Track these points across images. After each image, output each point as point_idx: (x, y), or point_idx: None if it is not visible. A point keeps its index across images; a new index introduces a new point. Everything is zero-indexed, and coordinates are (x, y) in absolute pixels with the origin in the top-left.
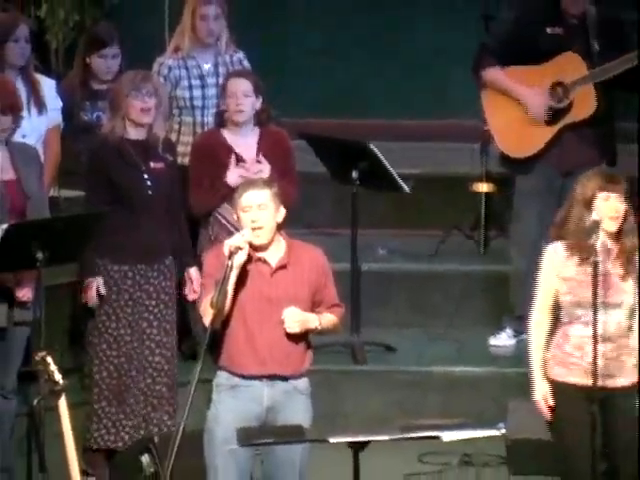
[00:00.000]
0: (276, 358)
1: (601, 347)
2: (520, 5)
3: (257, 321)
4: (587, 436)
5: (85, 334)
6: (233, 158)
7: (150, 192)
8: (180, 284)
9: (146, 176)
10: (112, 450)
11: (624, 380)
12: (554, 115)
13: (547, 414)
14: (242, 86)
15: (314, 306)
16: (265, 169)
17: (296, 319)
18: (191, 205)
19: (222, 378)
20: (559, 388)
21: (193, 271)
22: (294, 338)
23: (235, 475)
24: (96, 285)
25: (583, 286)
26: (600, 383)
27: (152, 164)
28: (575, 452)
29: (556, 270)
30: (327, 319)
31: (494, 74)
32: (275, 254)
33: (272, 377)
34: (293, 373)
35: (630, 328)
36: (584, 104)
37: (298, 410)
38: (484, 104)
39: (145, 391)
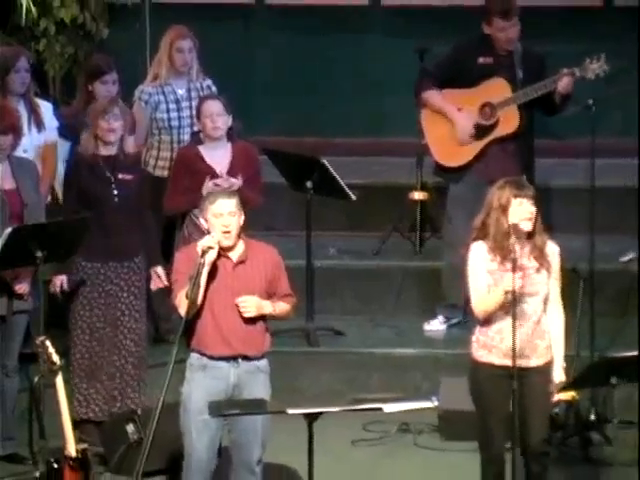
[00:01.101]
0: (239, 341)
1: (518, 332)
2: (459, 39)
3: (222, 309)
4: (503, 407)
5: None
6: (208, 177)
7: (117, 200)
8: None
9: (114, 186)
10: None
11: (537, 360)
12: (483, 131)
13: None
14: (215, 107)
15: (269, 296)
16: (237, 183)
17: (250, 304)
18: (164, 206)
19: (194, 359)
20: (481, 367)
21: (159, 268)
22: (254, 323)
23: (207, 441)
24: (60, 282)
25: (503, 279)
26: (517, 364)
27: (120, 176)
28: (490, 421)
29: (482, 264)
30: (280, 306)
31: (432, 95)
32: (236, 252)
33: (236, 357)
34: (255, 354)
35: (543, 315)
36: (508, 122)
37: (259, 387)
38: (422, 121)
39: (118, 370)
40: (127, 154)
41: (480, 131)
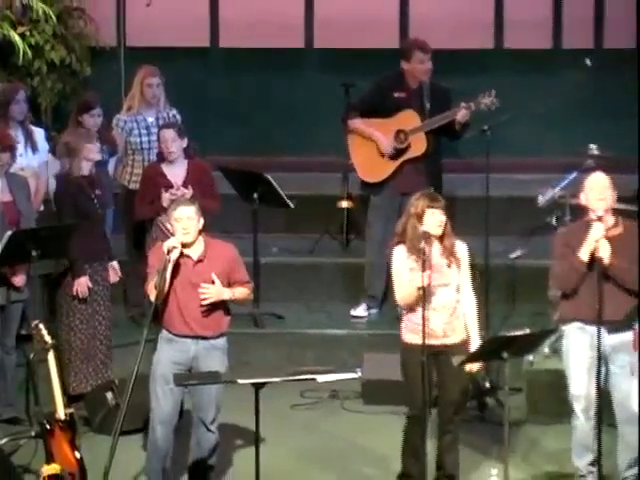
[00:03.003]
0: (198, 323)
1: (438, 316)
2: (379, 77)
3: (184, 298)
4: (425, 379)
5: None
6: (164, 189)
7: (99, 212)
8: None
9: (96, 201)
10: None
11: (455, 338)
12: (397, 153)
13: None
14: (169, 135)
15: (229, 285)
16: (188, 193)
17: (211, 291)
18: (135, 214)
19: (163, 333)
20: (409, 348)
21: (114, 263)
22: (212, 310)
23: (170, 400)
24: (84, 281)
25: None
26: (440, 342)
27: (97, 192)
28: (415, 389)
29: (404, 264)
30: (240, 291)
31: (357, 123)
32: (196, 252)
33: (195, 337)
34: (212, 334)
35: (458, 301)
36: (419, 145)
37: (215, 361)
38: (349, 145)
39: (97, 351)
40: (94, 172)
41: (395, 153)
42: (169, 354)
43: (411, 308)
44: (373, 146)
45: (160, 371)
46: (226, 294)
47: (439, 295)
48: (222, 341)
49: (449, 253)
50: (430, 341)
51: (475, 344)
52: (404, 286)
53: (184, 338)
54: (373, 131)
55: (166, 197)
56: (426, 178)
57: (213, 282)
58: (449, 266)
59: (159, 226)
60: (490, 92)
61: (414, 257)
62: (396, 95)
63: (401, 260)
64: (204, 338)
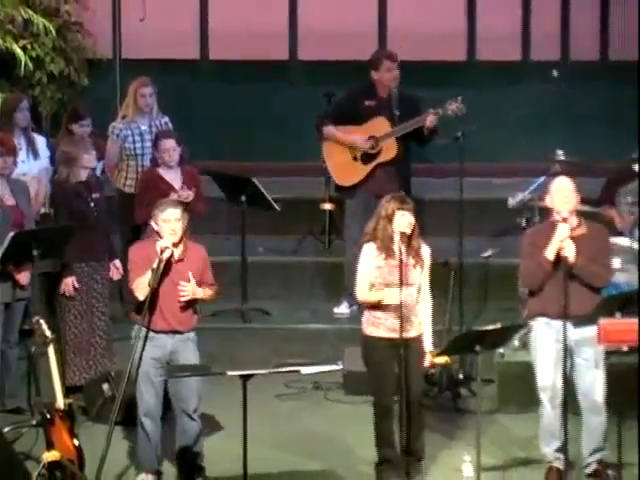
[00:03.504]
0: (175, 319)
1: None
2: (350, 87)
3: (165, 294)
4: (388, 370)
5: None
6: (172, 192)
7: (96, 214)
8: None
9: (93, 205)
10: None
11: (413, 333)
12: (369, 158)
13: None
14: (171, 144)
15: (200, 285)
16: (191, 195)
17: (188, 289)
18: (135, 217)
19: (142, 332)
20: (370, 340)
21: (117, 262)
22: (186, 308)
23: (152, 392)
24: (71, 281)
25: (388, 272)
26: (399, 336)
27: (94, 195)
28: (380, 381)
29: (371, 262)
30: (208, 292)
31: (330, 131)
32: (177, 251)
33: (171, 332)
34: (186, 329)
35: (417, 299)
36: (389, 150)
37: (190, 352)
38: (324, 151)
39: (92, 346)
40: (92, 176)
41: (367, 158)
42: (150, 351)
43: (372, 306)
44: (346, 151)
45: (142, 367)
46: (199, 293)
47: (403, 292)
48: (193, 334)
49: (415, 254)
50: (391, 335)
51: (428, 340)
52: (364, 285)
53: (161, 334)
54: (348, 135)
55: (175, 198)
56: (397, 181)
57: (189, 281)
58: (414, 267)
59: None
60: (457, 99)
61: (383, 255)
62: (367, 103)
63: (369, 258)
64: (179, 332)
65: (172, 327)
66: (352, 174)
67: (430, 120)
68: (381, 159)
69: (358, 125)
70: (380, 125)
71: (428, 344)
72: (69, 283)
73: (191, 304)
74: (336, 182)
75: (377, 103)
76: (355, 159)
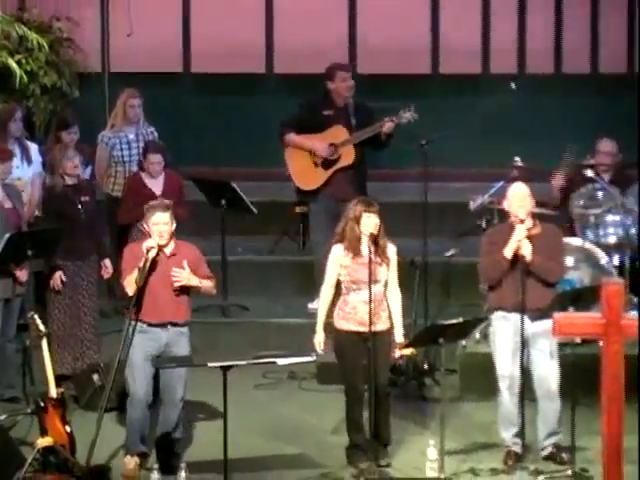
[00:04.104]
0: (170, 311)
1: (367, 307)
2: (309, 97)
3: (158, 288)
4: (358, 361)
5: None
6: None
7: (83, 217)
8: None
9: (80, 206)
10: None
11: (381, 326)
12: (329, 163)
13: (320, 350)
14: (157, 159)
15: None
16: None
17: (182, 275)
18: (118, 218)
19: (137, 324)
20: (341, 334)
21: (107, 261)
22: (180, 301)
23: (143, 382)
24: (59, 276)
25: (355, 270)
26: (368, 329)
27: (82, 198)
28: (351, 372)
29: (339, 261)
30: (205, 282)
31: (291, 138)
32: (168, 249)
33: (166, 324)
34: (180, 321)
35: (385, 294)
36: (347, 156)
37: (183, 346)
38: (286, 157)
39: (79, 339)
40: (83, 181)
41: (327, 164)
42: (143, 344)
43: (343, 299)
44: (307, 157)
45: (135, 358)
46: (194, 280)
47: (371, 289)
48: (187, 329)
49: (381, 252)
50: (360, 328)
51: (399, 332)
52: (329, 283)
53: (156, 327)
54: (308, 141)
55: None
56: (355, 185)
57: (183, 269)
58: (380, 265)
59: (139, 229)
60: (410, 107)
61: (351, 255)
62: (325, 113)
63: (337, 258)
64: (174, 325)
65: (167, 319)
66: (313, 179)
67: (387, 127)
68: (340, 164)
69: (318, 133)
70: (338, 133)
71: (399, 336)
72: (57, 278)
73: (185, 298)
74: (298, 186)
75: (335, 112)
76: (316, 165)
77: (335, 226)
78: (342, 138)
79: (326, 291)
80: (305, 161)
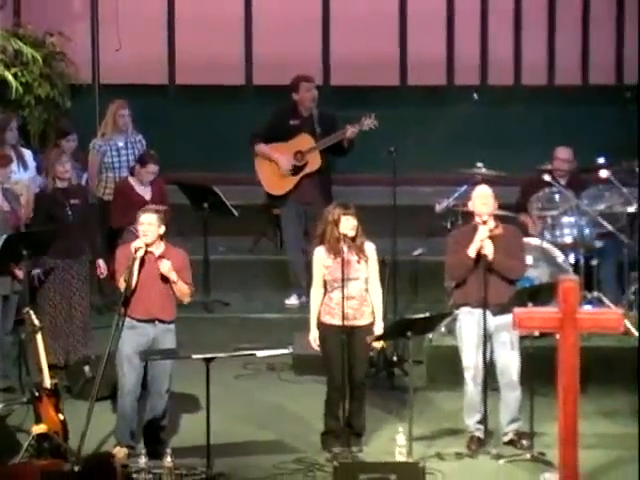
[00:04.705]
0: (158, 308)
1: (350, 302)
2: (276, 109)
3: (147, 286)
4: (339, 353)
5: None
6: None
7: (71, 218)
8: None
9: (68, 208)
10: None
11: (364, 321)
12: (297, 169)
13: (316, 346)
14: (155, 169)
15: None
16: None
17: (167, 263)
18: (112, 222)
19: (127, 322)
20: (325, 327)
21: (100, 261)
22: (166, 299)
23: (133, 374)
24: (36, 274)
25: (336, 270)
26: (350, 324)
27: (72, 201)
28: (332, 363)
29: (322, 262)
30: (182, 284)
31: (261, 147)
32: (158, 249)
33: (154, 320)
34: (167, 319)
35: (366, 290)
36: (314, 162)
37: (169, 341)
38: (256, 165)
39: (69, 333)
40: (74, 185)
41: (295, 170)
42: (132, 339)
43: (328, 296)
44: (275, 165)
45: (125, 352)
46: (173, 276)
47: (350, 286)
48: (173, 326)
49: (359, 251)
50: (340, 322)
51: (379, 326)
52: (317, 284)
53: (144, 323)
54: (274, 153)
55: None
56: (321, 188)
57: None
58: (359, 262)
59: (129, 231)
60: (370, 115)
61: (332, 256)
62: (291, 123)
63: (319, 259)
64: (161, 321)
65: (154, 316)
66: (282, 185)
67: (350, 133)
68: (307, 170)
69: (285, 141)
70: (305, 141)
71: (379, 329)
72: (34, 275)
73: (171, 297)
74: (267, 192)
75: (300, 122)
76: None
77: (303, 226)
78: (308, 145)
79: (315, 291)
80: (273, 168)
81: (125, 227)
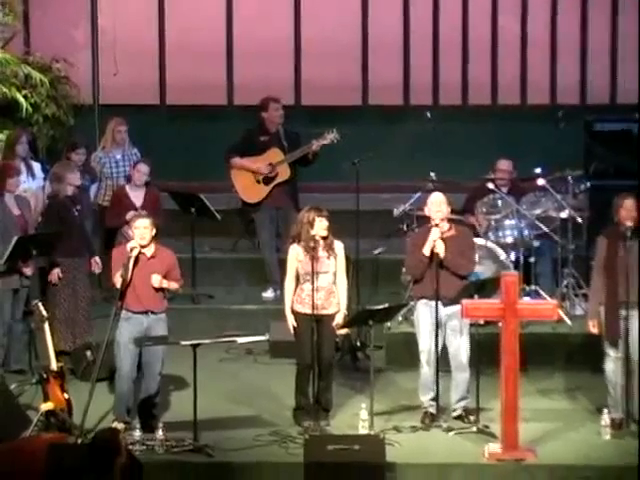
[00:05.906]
0: (149, 301)
1: (319, 294)
2: (247, 128)
3: (140, 283)
4: (308, 338)
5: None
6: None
7: (78, 222)
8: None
9: (76, 214)
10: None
11: (332, 310)
12: (269, 180)
13: (292, 329)
14: (144, 168)
15: (168, 278)
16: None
17: (157, 278)
18: (106, 222)
19: (123, 313)
20: (297, 315)
21: (96, 258)
22: (157, 294)
23: (129, 359)
24: (56, 272)
25: (308, 264)
26: (320, 312)
27: (77, 207)
28: (302, 346)
29: (296, 257)
30: (173, 285)
31: (236, 161)
32: (150, 250)
33: (147, 312)
34: (158, 310)
35: (334, 283)
36: (284, 173)
37: (161, 329)
38: (232, 177)
39: (76, 321)
40: (79, 192)
41: (268, 180)
42: (128, 328)
43: (300, 287)
44: (250, 176)
45: (122, 340)
46: (164, 284)
47: (320, 279)
48: (164, 315)
49: (329, 248)
50: (310, 311)
51: (340, 316)
52: (290, 278)
53: (138, 314)
54: (252, 164)
55: (130, 214)
56: (289, 195)
57: (158, 273)
58: (328, 258)
59: (123, 234)
60: (332, 130)
61: (305, 252)
62: (262, 139)
63: (294, 255)
64: (154, 312)
65: (146, 308)
66: (257, 193)
67: (316, 146)
68: (278, 180)
69: (257, 156)
70: (275, 154)
71: (339, 318)
72: (54, 273)
73: (160, 291)
74: (243, 200)
75: (270, 138)
76: (258, 182)
77: (275, 228)
78: (279, 158)
79: (288, 283)
80: (248, 179)
81: (117, 227)
